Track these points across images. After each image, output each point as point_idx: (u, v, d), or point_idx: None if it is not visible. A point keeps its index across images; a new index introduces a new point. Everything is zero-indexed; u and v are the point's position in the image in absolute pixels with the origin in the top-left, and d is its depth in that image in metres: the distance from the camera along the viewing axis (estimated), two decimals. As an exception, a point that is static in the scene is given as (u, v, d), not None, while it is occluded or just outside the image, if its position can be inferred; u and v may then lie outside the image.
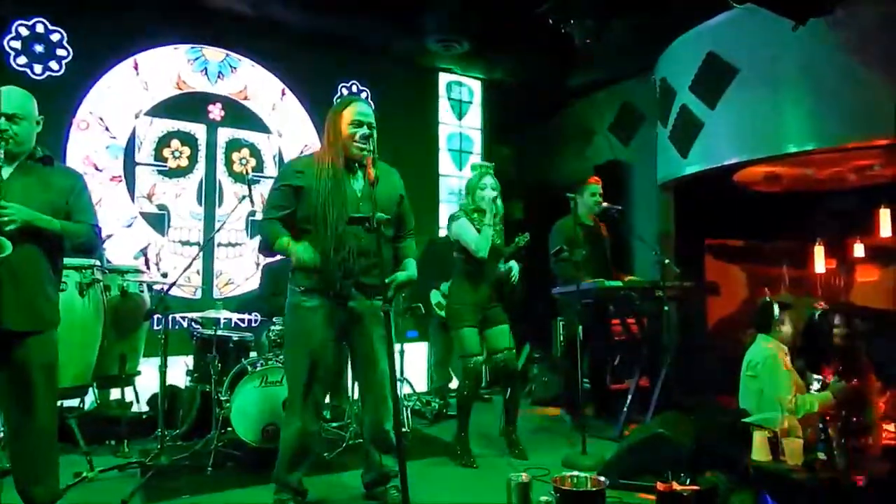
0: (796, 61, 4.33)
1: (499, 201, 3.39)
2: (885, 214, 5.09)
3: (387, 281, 2.33)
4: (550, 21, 4.96)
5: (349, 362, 2.80)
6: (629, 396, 4.00)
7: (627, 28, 5.14)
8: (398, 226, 2.61)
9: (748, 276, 6.49)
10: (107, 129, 4.82)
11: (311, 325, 2.44)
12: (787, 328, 3.45)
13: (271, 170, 5.38)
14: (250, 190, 3.34)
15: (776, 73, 4.44)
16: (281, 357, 3.27)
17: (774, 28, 4.40)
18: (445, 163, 6.32)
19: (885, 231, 5.11)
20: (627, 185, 6.00)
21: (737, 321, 6.02)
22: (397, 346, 4.00)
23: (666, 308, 3.90)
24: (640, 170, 5.96)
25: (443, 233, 5.93)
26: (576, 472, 2.36)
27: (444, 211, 6.18)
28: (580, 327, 3.44)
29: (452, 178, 6.41)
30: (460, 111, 6.44)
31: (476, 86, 6.62)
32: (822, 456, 2.72)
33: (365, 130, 2.39)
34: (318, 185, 2.40)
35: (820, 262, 5.47)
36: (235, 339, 3.49)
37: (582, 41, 5.11)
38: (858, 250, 5.60)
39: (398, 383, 2.42)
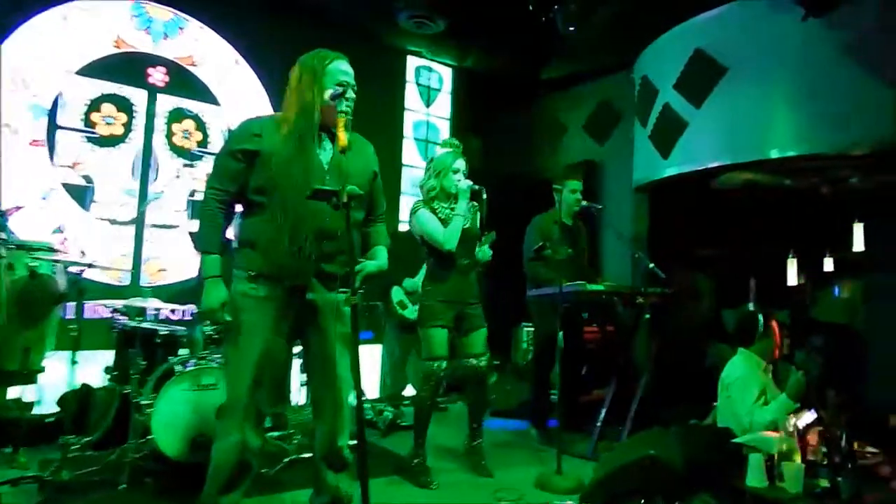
0: (788, 62, 4.24)
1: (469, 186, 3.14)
2: (858, 229, 5.05)
3: (348, 270, 2.07)
4: (531, 6, 4.74)
5: (303, 363, 2.44)
6: (603, 409, 3.77)
7: (609, 20, 5.00)
8: (368, 207, 2.34)
9: (716, 283, 6.41)
10: (27, 85, 4.26)
11: (260, 319, 2.14)
12: (770, 341, 3.32)
13: (217, 145, 5.00)
14: (194, 164, 2.91)
15: (766, 73, 4.35)
16: (218, 356, 3.00)
17: (766, 26, 4.31)
18: (410, 152, 6.14)
19: (857, 245, 5.07)
20: (600, 186, 5.88)
21: (701, 332, 5.94)
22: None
23: (647, 316, 3.68)
24: (613, 170, 5.87)
25: (403, 227, 5.75)
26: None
27: (406, 204, 5.99)
28: (560, 334, 3.16)
29: (417, 168, 6.18)
30: (428, 98, 6.29)
31: (446, 73, 6.43)
32: (825, 483, 2.50)
33: (350, 94, 2.15)
34: (277, 152, 2.11)
35: (792, 274, 5.40)
36: (164, 333, 3.13)
37: (565, 28, 4.90)
38: (828, 264, 5.57)
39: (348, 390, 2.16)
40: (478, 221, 3.24)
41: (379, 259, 2.31)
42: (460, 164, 3.16)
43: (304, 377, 3.33)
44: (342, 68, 2.17)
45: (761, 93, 4.35)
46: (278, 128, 2.15)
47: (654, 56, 5.18)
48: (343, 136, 1.95)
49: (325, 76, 2.14)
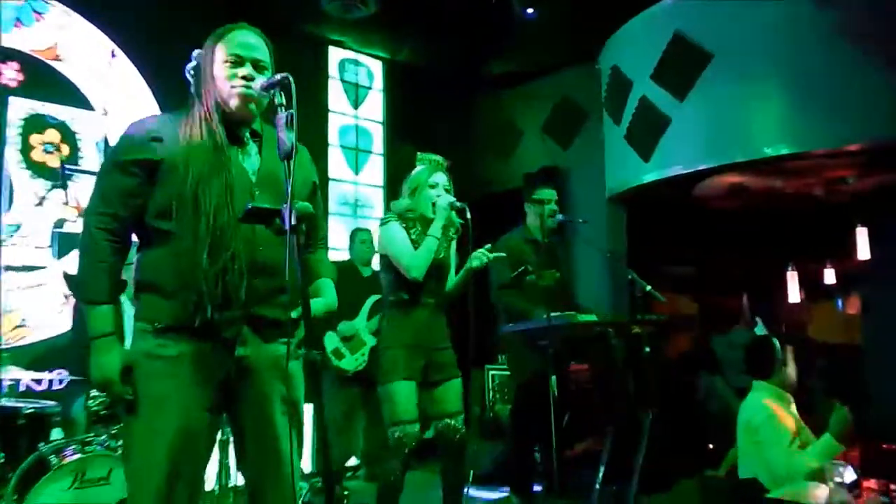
0: (778, 47, 4.31)
1: (452, 214, 3.06)
2: (861, 234, 5.18)
3: (293, 315, 1.93)
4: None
5: (235, 444, 2.18)
6: (601, 466, 3.66)
7: (570, 2, 4.99)
8: (308, 228, 2.11)
9: (700, 308, 6.50)
10: None
11: (173, 388, 1.90)
12: (790, 370, 3.32)
13: (92, 160, 4.64)
14: (64, 185, 2.62)
15: (753, 60, 4.41)
16: (110, 439, 2.75)
17: (753, 6, 4.37)
18: (337, 163, 6.05)
19: (862, 253, 5.19)
20: (567, 197, 5.81)
21: (689, 364, 5.97)
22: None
23: (647, 350, 3.63)
24: (581, 178, 5.87)
25: (333, 256, 5.51)
26: None
27: (335, 227, 5.83)
28: (553, 378, 3.01)
29: (345, 183, 6.06)
30: (356, 98, 6.22)
31: (377, 67, 6.34)
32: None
33: (249, 70, 1.96)
34: (186, 160, 1.92)
35: (793, 289, 5.49)
36: (28, 411, 2.87)
37: (521, 12, 4.87)
38: (829, 276, 5.70)
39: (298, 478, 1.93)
40: (452, 251, 3.17)
41: (326, 295, 2.16)
42: (439, 178, 3.07)
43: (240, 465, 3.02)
44: (240, 40, 2.00)
45: (749, 82, 4.41)
46: (183, 129, 1.98)
47: (625, 42, 5.21)
48: (284, 138, 1.78)
49: (216, 57, 2.00)
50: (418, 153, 3.18)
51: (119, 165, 1.92)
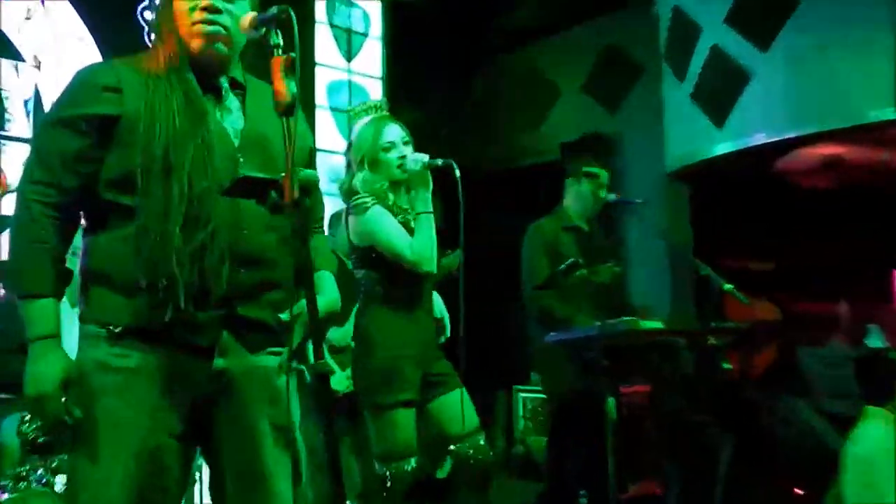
0: None
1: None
2: None
3: (283, 318, 1.94)
4: None
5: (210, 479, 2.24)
6: None
7: None
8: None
9: (785, 315, 6.46)
10: None
11: (131, 408, 1.89)
12: None
13: (21, 125, 4.77)
14: None
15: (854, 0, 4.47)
16: (49, 473, 2.71)
17: None
18: (325, 129, 6.11)
19: None
20: (616, 173, 5.78)
21: (768, 384, 5.95)
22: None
23: (726, 366, 3.60)
24: (634, 149, 5.88)
25: None
26: None
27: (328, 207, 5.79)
28: (612, 401, 3.10)
29: (336, 155, 6.01)
30: (349, 47, 6.27)
31: (374, 8, 6.42)
32: None
33: (213, 2, 1.93)
34: (152, 116, 1.91)
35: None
36: None
37: None
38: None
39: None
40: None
41: (325, 293, 2.14)
42: (391, 133, 3.00)
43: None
44: None
45: (850, 28, 4.43)
46: (148, 77, 1.95)
47: (691, -23, 5.23)
48: (282, 86, 1.76)
49: None
50: (349, 108, 3.15)
51: (64, 122, 1.90)
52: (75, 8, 4.91)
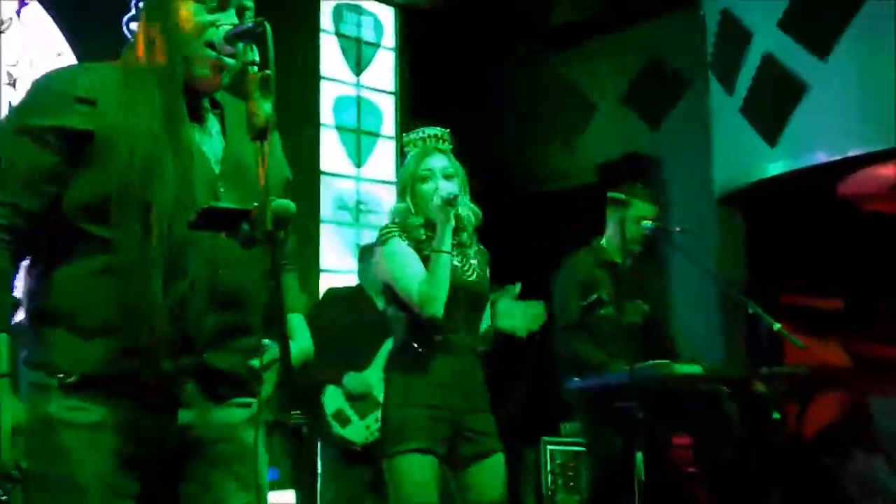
0: None
1: (466, 202, 3.19)
2: None
3: (254, 365, 1.97)
4: None
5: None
6: None
7: None
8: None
9: (854, 360, 6.38)
10: None
11: (88, 472, 1.89)
12: None
13: None
14: None
15: None
16: None
17: None
18: (332, 151, 6.16)
19: None
20: (659, 198, 5.81)
21: (835, 439, 5.86)
22: None
23: (776, 416, 3.67)
24: (678, 169, 5.92)
25: (329, 280, 5.71)
26: None
27: (332, 239, 5.95)
28: (639, 455, 3.03)
29: (344, 179, 6.17)
30: (359, 59, 6.32)
31: (387, 16, 6.46)
32: None
33: (232, 20, 1.96)
34: (130, 136, 1.92)
35: None
36: None
37: None
38: None
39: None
40: (486, 268, 3.26)
41: (299, 339, 2.21)
42: (434, 162, 3.13)
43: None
44: None
45: None
46: (129, 90, 1.95)
47: (742, -21, 5.25)
48: (260, 111, 1.78)
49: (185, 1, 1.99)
50: (404, 135, 3.25)
51: (30, 132, 1.87)
52: (54, 20, 4.95)
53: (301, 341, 2.20)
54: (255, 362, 1.95)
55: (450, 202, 2.98)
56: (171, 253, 1.86)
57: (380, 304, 4.59)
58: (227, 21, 1.94)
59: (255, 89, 1.78)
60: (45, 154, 1.88)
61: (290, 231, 2.22)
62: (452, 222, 3.03)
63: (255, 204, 1.72)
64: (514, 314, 3.12)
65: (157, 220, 1.86)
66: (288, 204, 1.74)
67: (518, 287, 3.21)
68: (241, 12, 1.97)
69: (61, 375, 1.88)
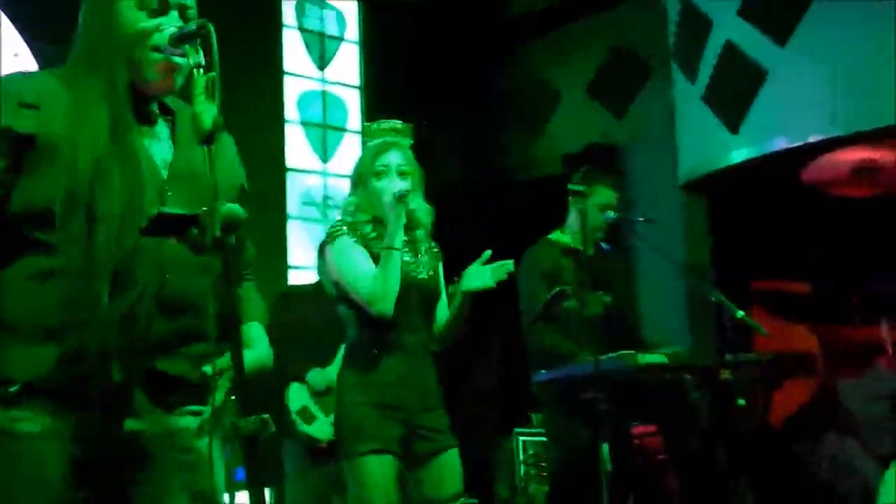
0: None
1: (419, 200, 3.21)
2: None
3: (206, 371, 1.95)
4: None
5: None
6: None
7: None
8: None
9: (822, 342, 6.42)
10: None
11: (31, 484, 1.88)
12: None
13: None
14: None
15: None
16: None
17: None
18: (297, 146, 6.15)
19: None
20: (624, 186, 5.80)
21: (807, 423, 5.90)
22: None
23: (741, 402, 3.60)
24: (644, 159, 5.94)
25: (299, 277, 5.73)
26: None
27: (298, 236, 5.93)
28: (605, 447, 3.12)
29: (310, 174, 6.15)
30: (323, 53, 6.31)
31: (350, 8, 6.45)
32: None
33: (173, 28, 1.94)
34: (74, 139, 1.91)
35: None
36: None
37: None
38: None
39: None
40: (438, 266, 3.27)
41: (256, 348, 2.19)
42: (390, 157, 3.12)
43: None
44: None
45: (881, 16, 4.39)
46: (70, 94, 1.94)
47: (701, -34, 5.25)
48: (205, 114, 1.77)
49: None
50: (364, 125, 3.29)
51: None
52: (10, 19, 4.91)
53: (259, 349, 2.19)
54: (208, 369, 1.94)
55: (401, 199, 2.99)
56: (118, 261, 1.86)
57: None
58: (171, 24, 1.93)
59: (201, 92, 1.78)
60: None
61: (247, 239, 2.27)
62: (404, 219, 3.04)
63: (204, 209, 1.72)
64: (484, 274, 3.06)
65: (104, 228, 1.86)
66: (236, 209, 1.74)
67: (489, 253, 3.17)
68: (182, 13, 1.97)
69: (6, 385, 1.87)
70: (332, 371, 4.38)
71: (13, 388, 1.86)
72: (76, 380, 1.86)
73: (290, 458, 4.47)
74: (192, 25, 1.86)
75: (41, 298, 1.87)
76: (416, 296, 3.11)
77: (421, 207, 3.19)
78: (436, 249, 3.27)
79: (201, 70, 1.81)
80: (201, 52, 1.82)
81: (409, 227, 3.14)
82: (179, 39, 1.87)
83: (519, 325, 4.07)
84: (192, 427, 1.98)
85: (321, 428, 4.36)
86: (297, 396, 4.42)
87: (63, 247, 1.86)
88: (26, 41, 4.94)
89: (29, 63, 4.93)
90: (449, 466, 3.11)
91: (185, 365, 1.97)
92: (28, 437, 1.86)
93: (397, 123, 3.26)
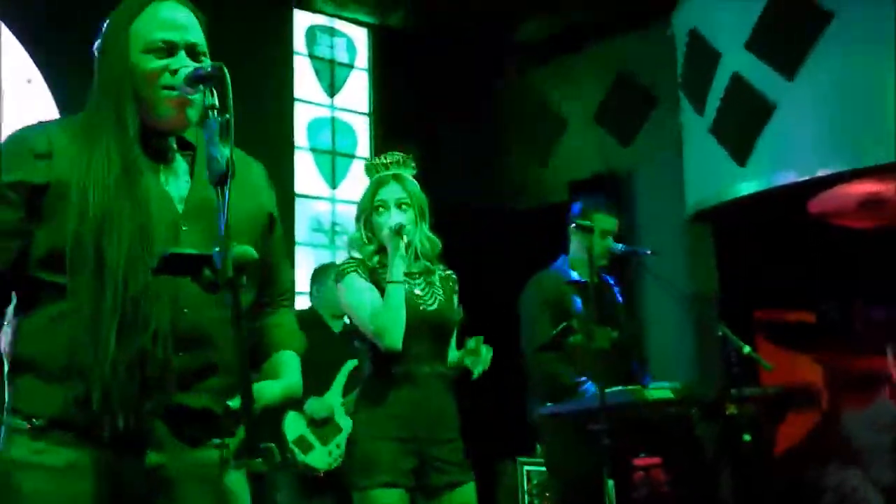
0: None
1: (425, 230, 3.22)
2: None
3: (232, 406, 1.89)
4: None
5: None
6: None
7: None
8: (263, 281, 2.19)
9: (826, 372, 6.41)
10: None
11: None
12: None
13: None
14: None
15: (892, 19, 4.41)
16: None
17: None
18: (306, 172, 6.17)
19: None
20: (630, 216, 5.85)
21: (812, 454, 5.89)
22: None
23: (747, 437, 3.60)
24: (650, 189, 5.96)
25: (306, 304, 5.64)
26: None
27: (306, 261, 5.90)
28: (611, 483, 3.10)
29: (319, 201, 6.17)
30: (332, 81, 6.34)
31: (360, 36, 6.47)
32: None
33: (183, 63, 1.96)
34: (84, 187, 1.92)
35: None
36: None
37: None
38: None
39: None
40: (452, 293, 3.27)
41: (287, 376, 2.14)
42: (388, 192, 3.14)
43: None
44: (167, 16, 2.01)
45: (888, 51, 4.39)
46: (82, 141, 1.96)
47: (710, -2, 5.27)
48: (220, 156, 1.78)
49: (134, 39, 1.99)
50: (366, 162, 3.29)
51: None
52: (22, 44, 4.91)
53: (287, 378, 2.15)
54: (234, 403, 1.90)
55: (398, 233, 3.01)
56: (126, 304, 1.87)
57: (334, 326, 4.66)
58: (179, 64, 1.95)
59: (215, 134, 1.78)
60: (9, 211, 1.91)
61: (284, 263, 2.28)
62: (402, 252, 3.05)
63: (217, 249, 1.72)
64: (479, 361, 3.17)
65: (110, 273, 1.87)
66: (247, 250, 1.75)
67: (473, 342, 3.24)
68: (191, 52, 1.98)
69: (32, 420, 1.89)
70: (329, 398, 4.43)
71: (38, 422, 1.88)
72: (90, 418, 1.87)
73: (283, 489, 4.45)
74: (208, 67, 1.87)
75: (55, 340, 1.89)
76: (426, 327, 3.10)
77: (426, 237, 3.19)
78: (452, 277, 3.29)
79: (215, 112, 1.81)
80: (216, 95, 1.82)
81: (419, 258, 3.17)
82: (194, 80, 1.89)
83: (518, 350, 4.03)
84: (215, 460, 1.97)
85: (319, 457, 4.37)
86: (294, 425, 4.39)
87: (73, 291, 1.88)
88: (38, 66, 4.94)
89: (41, 89, 4.95)
90: (464, 500, 3.11)
91: (206, 398, 1.96)
92: (52, 470, 1.87)
93: (397, 155, 3.26)
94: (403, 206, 3.11)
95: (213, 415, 1.96)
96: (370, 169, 3.27)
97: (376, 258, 3.15)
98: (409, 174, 3.20)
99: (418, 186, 3.21)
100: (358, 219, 3.23)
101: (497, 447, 5.59)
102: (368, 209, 3.16)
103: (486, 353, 3.21)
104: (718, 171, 5.11)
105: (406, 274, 3.11)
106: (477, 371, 3.19)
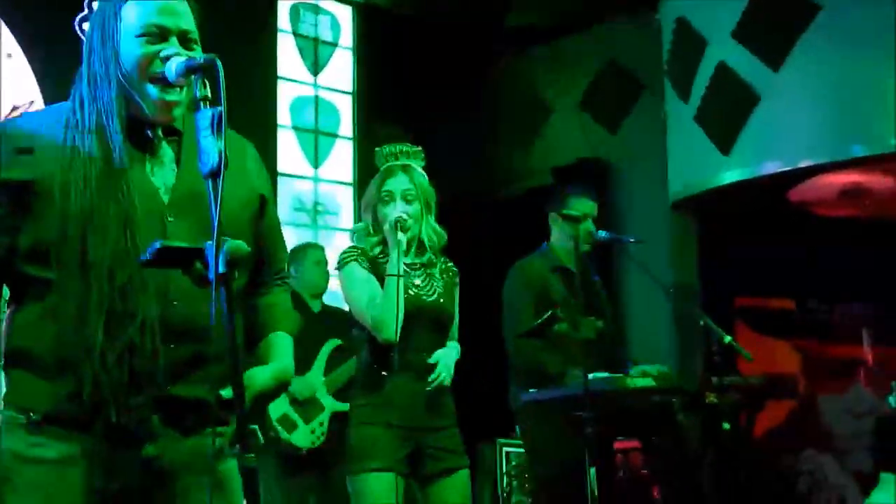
0: None
1: (431, 222, 3.24)
2: None
3: (223, 395, 1.90)
4: None
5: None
6: None
7: None
8: (257, 262, 2.18)
9: (805, 359, 6.49)
10: None
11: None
12: None
13: None
14: None
15: (875, 13, 4.48)
16: None
17: None
18: (289, 151, 6.12)
19: None
20: (613, 201, 5.84)
21: (790, 440, 5.96)
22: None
23: (726, 426, 3.65)
24: (635, 176, 5.94)
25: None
26: None
27: (288, 240, 5.72)
28: (593, 471, 3.14)
29: (301, 180, 6.12)
30: (316, 59, 6.29)
31: (344, 14, 6.41)
32: None
33: (173, 49, 1.94)
34: (66, 182, 1.92)
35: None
36: None
37: None
38: None
39: None
40: (452, 286, 3.30)
41: (278, 359, 2.14)
42: (394, 183, 3.14)
43: None
44: (163, 1, 2.00)
45: (871, 45, 4.46)
46: (66, 133, 1.95)
47: (698, -14, 5.29)
48: (211, 149, 1.76)
49: (125, 24, 1.98)
50: (377, 149, 3.25)
51: None
52: (2, 18, 4.83)
53: (279, 362, 2.15)
54: (227, 392, 1.90)
55: (398, 227, 3.02)
56: (113, 296, 1.88)
57: (314, 306, 4.65)
58: (171, 52, 1.93)
59: (206, 126, 1.77)
60: None
61: (280, 242, 2.25)
62: (403, 245, 3.05)
63: (208, 243, 1.71)
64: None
65: (96, 267, 1.88)
66: (240, 245, 1.74)
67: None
68: (183, 39, 1.98)
69: (30, 413, 1.91)
70: (311, 378, 4.43)
71: (35, 416, 1.89)
72: (84, 412, 1.88)
73: (268, 468, 4.45)
74: (201, 59, 1.85)
75: (44, 335, 1.90)
76: (425, 318, 3.13)
77: (431, 229, 3.21)
78: (452, 270, 3.31)
79: (207, 103, 1.80)
80: (208, 86, 1.81)
81: (422, 250, 3.20)
82: (189, 70, 1.86)
83: (498, 334, 4.03)
84: (210, 450, 1.96)
85: (302, 435, 4.38)
86: (277, 404, 4.38)
87: (59, 285, 1.88)
88: (19, 42, 4.86)
89: (22, 64, 4.87)
90: (459, 486, 3.14)
91: (199, 388, 1.97)
92: (49, 462, 1.89)
93: (407, 146, 3.26)
94: (409, 198, 3.11)
95: (206, 405, 1.95)
96: (380, 157, 3.27)
97: (378, 249, 3.17)
98: (418, 165, 3.21)
99: (426, 178, 3.21)
100: (365, 209, 3.23)
101: (477, 429, 5.61)
102: (375, 199, 3.17)
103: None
104: (702, 159, 5.15)
105: (407, 265, 3.13)
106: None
